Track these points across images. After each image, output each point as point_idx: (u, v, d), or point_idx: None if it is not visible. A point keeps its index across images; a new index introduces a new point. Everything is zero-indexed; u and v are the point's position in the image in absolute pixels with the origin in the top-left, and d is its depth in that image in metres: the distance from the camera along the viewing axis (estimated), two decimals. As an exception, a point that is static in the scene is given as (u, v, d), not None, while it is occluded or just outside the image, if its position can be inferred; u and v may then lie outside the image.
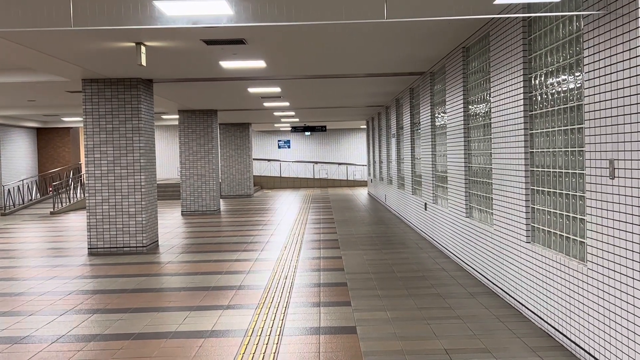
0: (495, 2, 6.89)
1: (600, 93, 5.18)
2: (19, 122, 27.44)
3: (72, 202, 24.47)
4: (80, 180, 27.11)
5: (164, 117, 26.04)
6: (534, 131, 6.96)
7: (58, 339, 6.81)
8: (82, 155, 33.74)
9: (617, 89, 4.89)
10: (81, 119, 26.71)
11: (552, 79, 6.40)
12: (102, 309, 8.12)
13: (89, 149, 12.92)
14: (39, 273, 10.80)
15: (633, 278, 4.70)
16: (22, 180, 27.86)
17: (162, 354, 6.21)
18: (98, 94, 12.84)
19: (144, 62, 9.46)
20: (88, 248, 12.98)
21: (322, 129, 33.48)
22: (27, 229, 18.20)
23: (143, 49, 9.34)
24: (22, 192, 27.21)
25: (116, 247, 12.98)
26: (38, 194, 28.25)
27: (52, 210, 23.16)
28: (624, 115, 4.79)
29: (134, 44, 9.29)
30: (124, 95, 12.83)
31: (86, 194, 13.04)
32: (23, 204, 25.50)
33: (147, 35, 8.71)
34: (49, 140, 31.92)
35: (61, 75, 12.07)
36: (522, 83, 7.12)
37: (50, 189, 28.31)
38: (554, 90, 6.38)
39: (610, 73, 4.99)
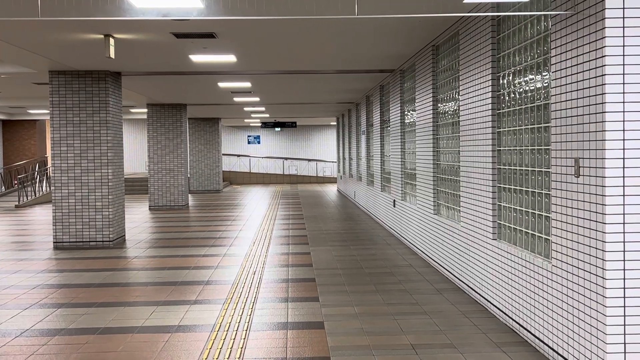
0: (465, 1, 6.94)
1: (566, 92, 5.26)
2: (-17, 113, 26.95)
3: (37, 195, 24.10)
4: (47, 173, 26.71)
5: (133, 110, 25.79)
6: (501, 129, 7.04)
7: (22, 333, 6.72)
8: (49, 148, 33.23)
9: (583, 89, 4.96)
10: (48, 111, 26.32)
11: (520, 78, 6.48)
12: (67, 303, 8.02)
13: (55, 142, 12.74)
14: (3, 266, 10.62)
15: (596, 275, 4.79)
16: (-14, 172, 27.37)
17: (127, 348, 6.15)
18: (65, 86, 12.66)
19: (112, 55, 9.35)
20: (53, 242, 12.80)
21: (293, 125, 33.47)
22: (-9, 222, 17.88)
23: (112, 41, 9.23)
24: (-14, 185, 26.73)
25: (82, 241, 12.82)
26: (3, 187, 27.77)
27: (17, 203, 22.78)
28: (589, 114, 4.87)
29: (102, 36, 9.18)
30: (92, 88, 12.67)
31: (52, 187, 12.86)
32: (-13, 197, 25.06)
33: (116, 27, 8.62)
34: (14, 132, 31.39)
35: (28, 67, 11.87)
36: (490, 82, 7.19)
37: (16, 182, 27.84)
38: (521, 89, 6.46)
39: (577, 73, 5.07)
